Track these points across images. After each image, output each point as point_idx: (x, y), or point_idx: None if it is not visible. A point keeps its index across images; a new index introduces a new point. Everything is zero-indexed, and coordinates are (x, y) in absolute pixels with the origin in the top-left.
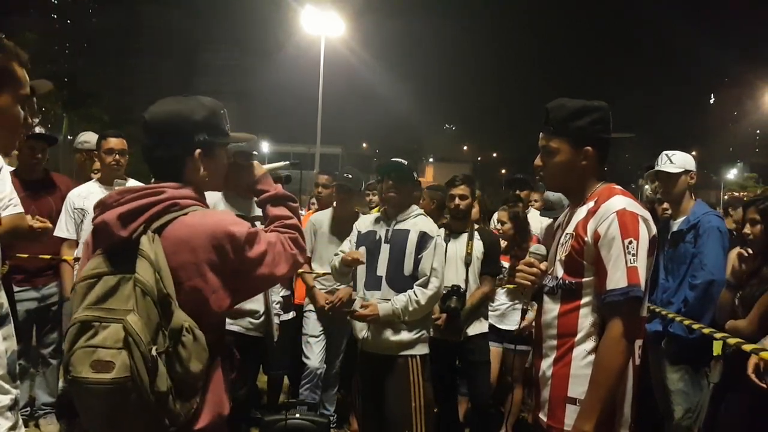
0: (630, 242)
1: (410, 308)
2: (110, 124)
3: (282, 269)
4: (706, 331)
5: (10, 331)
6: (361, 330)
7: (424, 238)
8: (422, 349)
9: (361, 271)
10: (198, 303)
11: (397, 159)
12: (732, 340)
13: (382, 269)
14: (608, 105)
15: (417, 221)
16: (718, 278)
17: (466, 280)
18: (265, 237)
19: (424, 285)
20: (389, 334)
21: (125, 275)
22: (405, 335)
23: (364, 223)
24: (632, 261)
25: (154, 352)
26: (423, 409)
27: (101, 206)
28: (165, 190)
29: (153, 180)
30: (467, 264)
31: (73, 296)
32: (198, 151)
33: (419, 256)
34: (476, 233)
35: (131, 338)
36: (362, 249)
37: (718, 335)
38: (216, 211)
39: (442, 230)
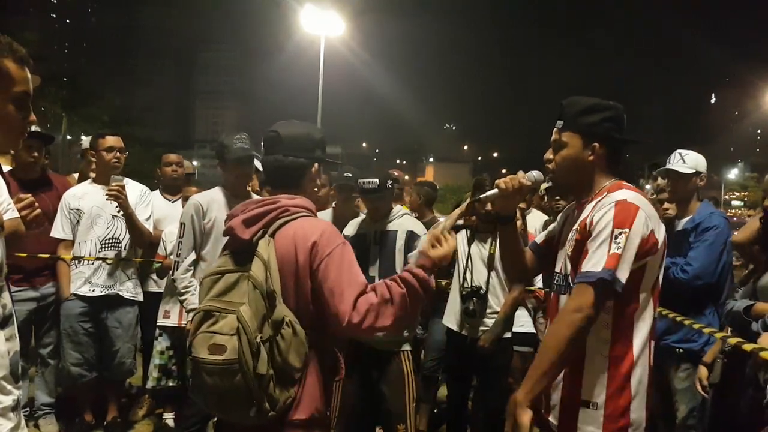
0: (620, 233)
1: None
2: (110, 124)
3: (345, 304)
4: (706, 331)
5: (12, 331)
6: None
7: (412, 237)
8: (409, 345)
9: None
10: (299, 301)
11: (369, 180)
12: (732, 340)
13: (374, 270)
14: (623, 107)
15: (402, 221)
16: (701, 273)
17: (488, 282)
18: (352, 258)
19: None
20: None
21: (244, 273)
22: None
23: (352, 228)
24: (616, 249)
25: (258, 339)
26: (414, 402)
27: (230, 216)
28: (279, 200)
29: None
30: (489, 266)
31: (200, 289)
32: (316, 164)
33: (409, 255)
34: None
35: (241, 326)
36: None
37: (718, 335)
38: (319, 219)
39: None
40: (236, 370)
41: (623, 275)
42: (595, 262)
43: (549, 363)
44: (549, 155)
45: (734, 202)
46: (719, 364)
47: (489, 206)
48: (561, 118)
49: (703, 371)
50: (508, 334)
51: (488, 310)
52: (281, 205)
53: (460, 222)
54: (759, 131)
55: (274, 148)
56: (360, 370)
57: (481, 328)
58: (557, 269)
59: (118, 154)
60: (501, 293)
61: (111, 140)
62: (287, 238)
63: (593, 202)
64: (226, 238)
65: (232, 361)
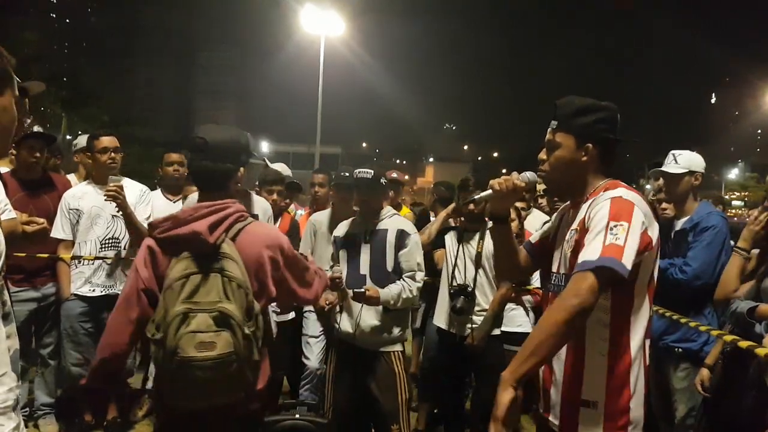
0: (615, 225)
1: (404, 296)
2: (110, 124)
3: (312, 292)
4: (703, 328)
5: (12, 329)
6: (349, 325)
7: (402, 236)
8: (402, 346)
9: (344, 272)
10: (257, 294)
11: (363, 170)
12: (728, 337)
13: (364, 268)
14: (617, 107)
15: (393, 221)
16: (700, 273)
17: (475, 280)
18: (304, 259)
19: (413, 278)
20: (378, 330)
21: (210, 274)
22: (392, 331)
23: (343, 227)
24: (613, 240)
25: (248, 331)
26: (407, 402)
27: (174, 219)
28: (230, 205)
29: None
30: (477, 264)
31: (169, 293)
32: (242, 168)
33: (399, 253)
34: (488, 233)
35: (233, 321)
36: (342, 253)
37: (715, 332)
38: (270, 225)
39: (455, 231)
40: (233, 360)
41: (628, 262)
42: (591, 252)
43: (537, 343)
44: (543, 155)
45: (734, 202)
46: (719, 365)
47: (472, 206)
48: (555, 118)
49: (705, 373)
50: (497, 331)
51: (476, 308)
52: (235, 210)
53: (456, 224)
54: (759, 131)
55: (202, 154)
56: (351, 370)
57: (469, 325)
58: (554, 269)
59: (113, 154)
60: (489, 291)
61: (105, 141)
62: (249, 241)
63: (589, 201)
64: None
65: (228, 354)
